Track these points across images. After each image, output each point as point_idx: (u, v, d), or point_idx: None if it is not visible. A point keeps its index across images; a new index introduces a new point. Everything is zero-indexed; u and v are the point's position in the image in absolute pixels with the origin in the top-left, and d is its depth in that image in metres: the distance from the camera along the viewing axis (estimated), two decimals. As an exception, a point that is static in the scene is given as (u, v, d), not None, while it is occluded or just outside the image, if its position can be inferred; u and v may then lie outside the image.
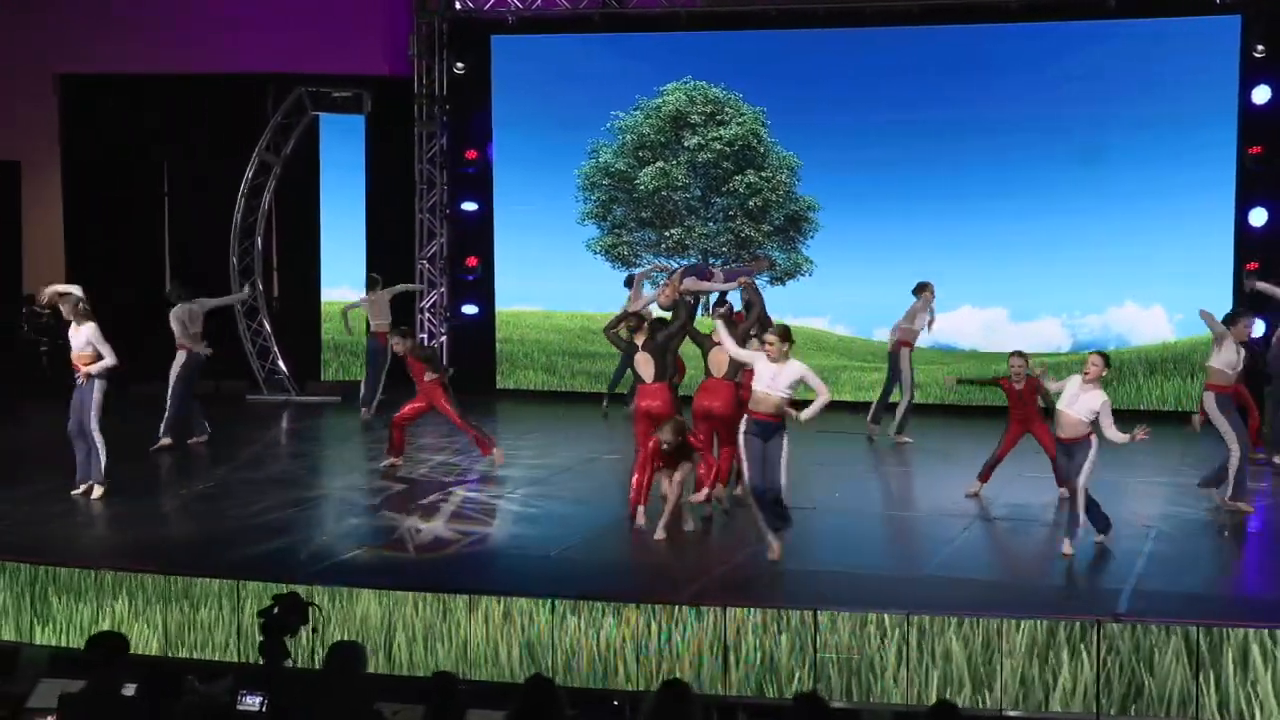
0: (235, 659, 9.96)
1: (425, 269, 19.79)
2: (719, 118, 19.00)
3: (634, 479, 12.22)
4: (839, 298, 18.78)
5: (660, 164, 19.16)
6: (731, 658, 9.44)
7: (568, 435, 16.93)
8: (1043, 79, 17.85)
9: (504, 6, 19.27)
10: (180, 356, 15.88)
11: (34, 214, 21.29)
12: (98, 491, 13.05)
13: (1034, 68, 17.90)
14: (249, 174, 19.42)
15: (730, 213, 19.05)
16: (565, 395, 19.41)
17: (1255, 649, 8.80)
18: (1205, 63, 17.30)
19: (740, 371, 12.68)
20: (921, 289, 16.15)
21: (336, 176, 20.16)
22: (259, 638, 7.79)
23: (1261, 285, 14.88)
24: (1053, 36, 17.86)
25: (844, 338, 18.75)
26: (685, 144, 19.07)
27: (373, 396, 17.69)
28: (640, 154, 19.25)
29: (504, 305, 19.82)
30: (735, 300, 14.08)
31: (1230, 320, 12.73)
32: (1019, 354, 13.09)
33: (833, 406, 17.85)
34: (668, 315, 13.26)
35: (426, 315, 19.73)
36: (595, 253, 19.47)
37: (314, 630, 7.95)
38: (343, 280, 20.04)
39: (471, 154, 19.62)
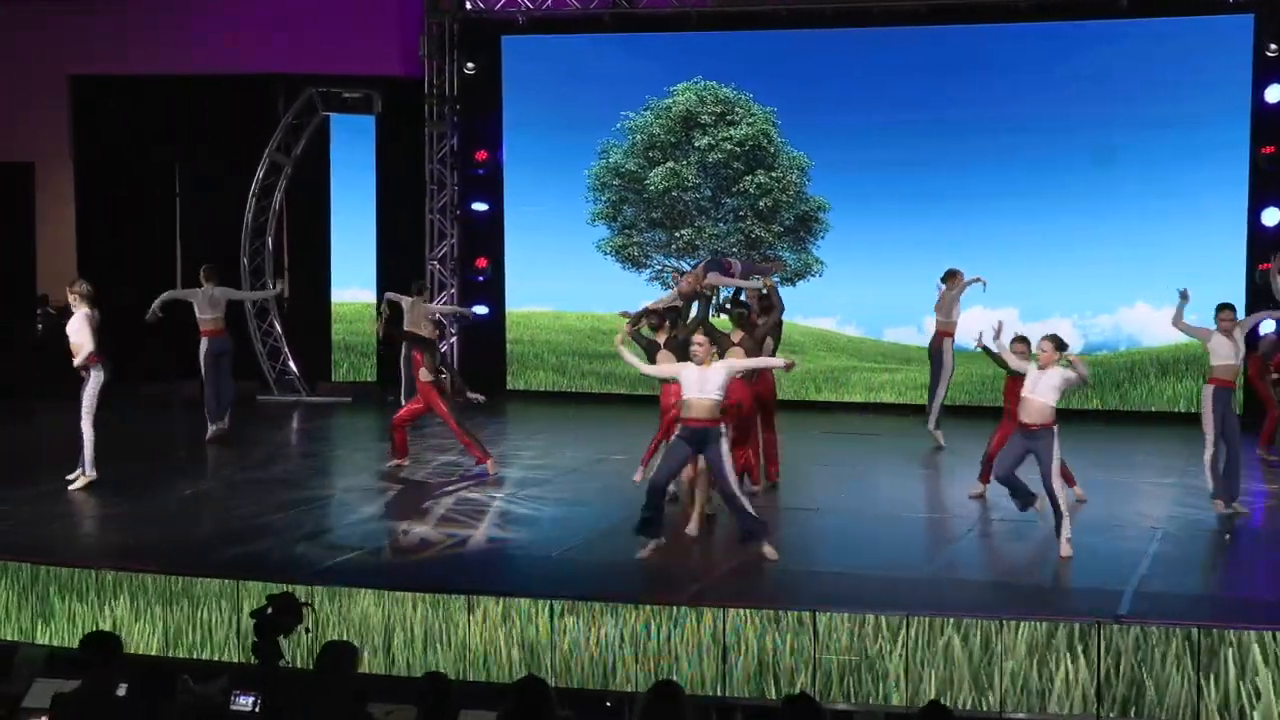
0: (234, 659, 9.94)
1: (436, 269, 19.77)
2: (729, 118, 18.97)
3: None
4: (849, 298, 18.73)
5: (670, 164, 19.14)
6: (731, 658, 9.40)
7: (576, 436, 16.92)
8: (1053, 79, 17.78)
9: (514, 7, 19.25)
10: (202, 343, 16.01)
11: (47, 214, 21.37)
12: (80, 482, 13.13)
13: (1044, 67, 17.83)
14: (260, 174, 19.50)
15: (740, 213, 19.02)
16: (575, 396, 19.40)
17: (1255, 650, 8.74)
18: (1217, 62, 17.23)
19: (756, 371, 12.83)
20: (951, 277, 15.83)
21: (347, 177, 20.14)
22: (253, 638, 7.76)
23: None
24: (1063, 36, 17.78)
25: (854, 338, 18.69)
26: (695, 144, 19.04)
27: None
28: (650, 154, 19.23)
29: (514, 306, 19.81)
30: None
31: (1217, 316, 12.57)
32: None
33: (842, 408, 18.22)
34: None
35: (437, 316, 19.68)
36: (605, 253, 19.45)
37: (307, 630, 7.92)
38: (353, 281, 20.05)
39: (482, 155, 19.62)
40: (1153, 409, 17.58)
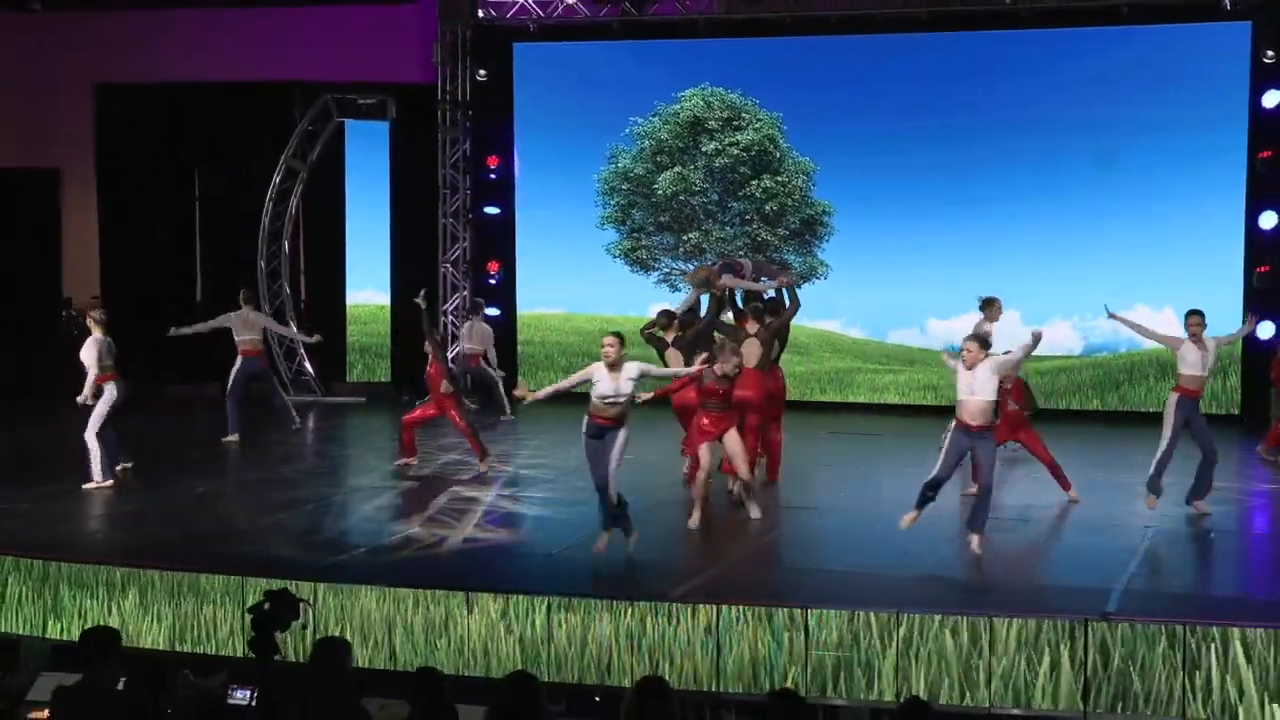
0: (239, 654, 9.93)
1: (449, 272, 19.78)
2: (736, 123, 18.94)
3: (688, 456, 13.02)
4: (853, 300, 18.68)
5: (678, 169, 19.11)
6: (724, 655, 9.37)
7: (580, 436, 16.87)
8: (1054, 84, 17.75)
9: (526, 15, 19.26)
10: (239, 361, 16.22)
11: (71, 218, 21.50)
12: (90, 486, 13.30)
13: (1046, 73, 17.80)
14: (277, 179, 19.55)
15: (747, 217, 18.99)
16: (584, 397, 19.30)
17: (1237, 646, 8.69)
18: (1216, 68, 17.17)
19: (771, 363, 13.27)
20: (989, 305, 15.13)
21: (362, 181, 20.19)
22: (251, 633, 7.75)
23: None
24: (1064, 42, 17.77)
25: (858, 340, 18.65)
26: (703, 149, 19.02)
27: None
28: (659, 159, 19.21)
29: (525, 308, 19.81)
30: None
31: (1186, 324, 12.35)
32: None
33: (847, 408, 18.18)
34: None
35: (450, 318, 19.71)
36: (614, 256, 19.44)
37: (304, 626, 7.91)
38: (367, 284, 20.09)
39: (494, 160, 19.63)
40: (1151, 410, 17.43)
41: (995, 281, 17.88)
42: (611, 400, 10.88)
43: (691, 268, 18.88)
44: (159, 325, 19.97)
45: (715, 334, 13.49)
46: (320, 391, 19.62)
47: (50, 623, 10.50)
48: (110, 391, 13.58)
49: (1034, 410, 13.53)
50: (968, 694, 9.10)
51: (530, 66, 19.60)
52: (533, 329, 19.82)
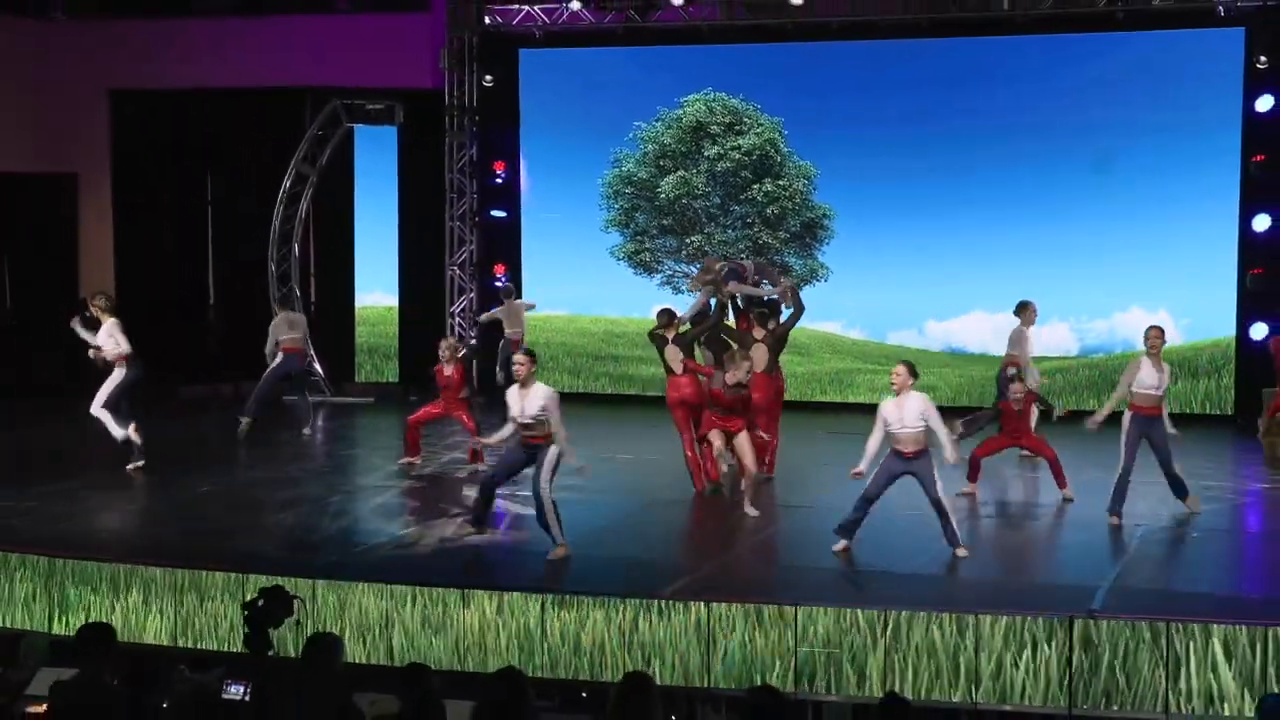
0: (238, 650, 9.93)
1: (455, 275, 19.78)
2: (738, 128, 18.91)
3: (689, 457, 13.13)
4: (853, 302, 18.62)
5: (681, 173, 19.10)
6: (714, 651, 9.35)
7: (589, 436, 16.81)
8: (1051, 89, 17.69)
9: (531, 21, 19.26)
10: (279, 357, 16.53)
11: (88, 222, 21.53)
12: (118, 434, 13.93)
13: (1043, 79, 17.74)
14: (287, 183, 19.54)
15: (748, 220, 18.97)
16: (589, 397, 19.37)
17: (1218, 643, 8.65)
18: (1210, 73, 17.09)
19: (776, 365, 13.55)
20: (1023, 309, 15.06)
21: (370, 185, 20.22)
22: (245, 629, 7.76)
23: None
24: (1061, 48, 17.70)
25: (858, 341, 18.60)
26: (705, 153, 19.00)
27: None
28: (662, 163, 19.20)
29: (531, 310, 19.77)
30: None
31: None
32: (1019, 379, 13.03)
33: (846, 409, 18.13)
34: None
35: (457, 319, 19.72)
36: (618, 259, 19.42)
37: (298, 622, 7.91)
38: (376, 286, 20.10)
39: (500, 165, 19.63)
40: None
41: (992, 284, 18.02)
42: (523, 423, 10.83)
43: (694, 270, 18.88)
44: (172, 326, 20.18)
45: (724, 339, 13.63)
46: (329, 392, 19.62)
47: (56, 618, 10.53)
48: (119, 372, 13.93)
49: (1047, 406, 13.55)
50: (954, 690, 9.07)
51: (536, 72, 19.59)
52: (538, 330, 19.73)
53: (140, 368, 14.24)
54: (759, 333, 13.42)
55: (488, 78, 19.54)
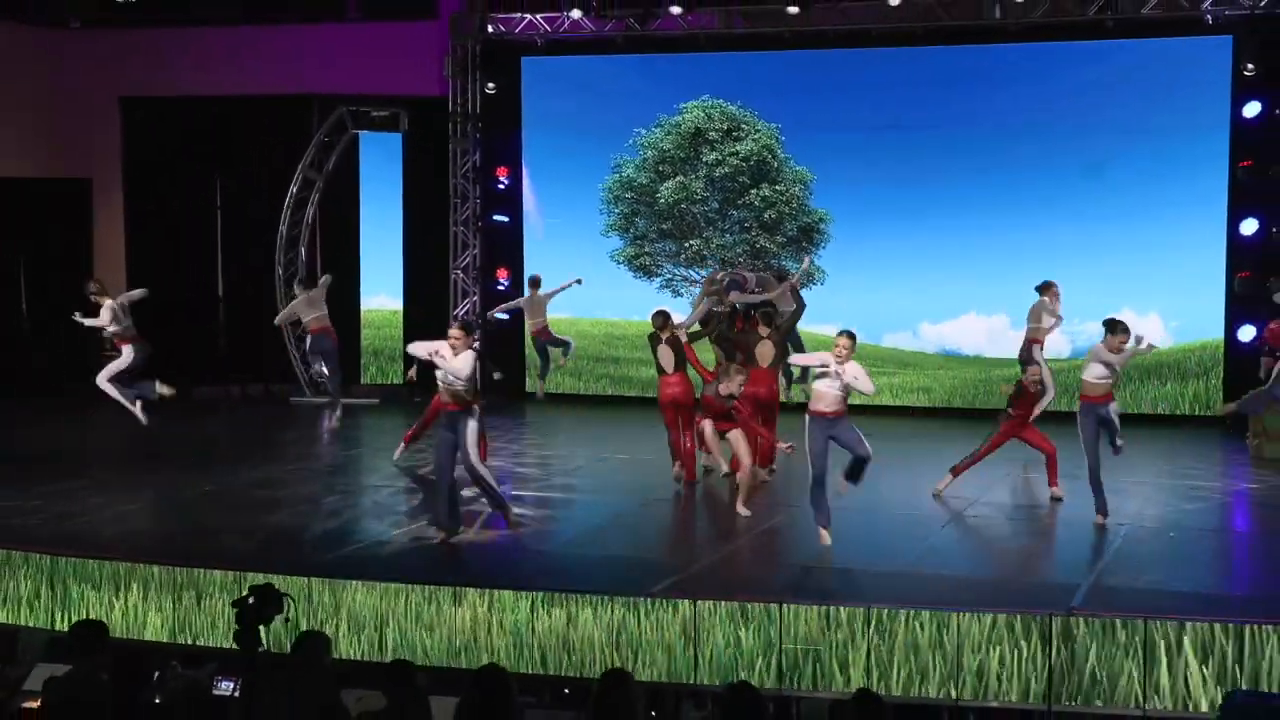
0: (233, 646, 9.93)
1: (459, 278, 19.79)
2: (736, 134, 18.90)
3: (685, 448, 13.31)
4: (849, 305, 18.47)
5: (680, 178, 19.09)
6: (700, 648, 9.33)
7: (588, 436, 16.92)
8: (1043, 96, 17.66)
9: (533, 30, 19.26)
10: (307, 339, 17.09)
11: (100, 226, 21.58)
12: (136, 409, 14.32)
13: (1035, 85, 17.71)
14: (294, 189, 19.59)
15: (746, 224, 18.95)
16: (589, 398, 19.38)
17: (1187, 642, 8.62)
18: (1198, 80, 17.04)
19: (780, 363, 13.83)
20: (1045, 289, 15.24)
21: (375, 191, 20.24)
22: (235, 626, 7.75)
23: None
24: (1053, 56, 17.68)
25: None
26: (704, 159, 19.00)
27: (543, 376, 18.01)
28: (661, 169, 19.19)
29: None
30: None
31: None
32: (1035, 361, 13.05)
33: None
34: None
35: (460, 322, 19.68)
36: (619, 263, 19.42)
37: (287, 619, 7.90)
38: (381, 289, 20.13)
39: (503, 171, 19.64)
40: (1136, 411, 17.38)
41: (986, 286, 18.00)
42: (450, 384, 11.13)
43: (692, 273, 19.01)
44: (182, 329, 20.19)
45: (721, 346, 13.86)
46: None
47: (59, 615, 10.52)
48: (127, 353, 14.34)
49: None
50: (935, 686, 9.04)
51: (538, 80, 19.59)
52: (540, 333, 19.79)
53: (146, 349, 14.50)
54: (764, 330, 13.58)
55: (490, 85, 19.55)
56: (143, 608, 10.32)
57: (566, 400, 19.41)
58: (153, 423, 14.80)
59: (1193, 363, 17.37)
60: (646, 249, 19.35)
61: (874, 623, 9.13)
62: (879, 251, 18.44)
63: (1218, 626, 8.66)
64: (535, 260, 19.70)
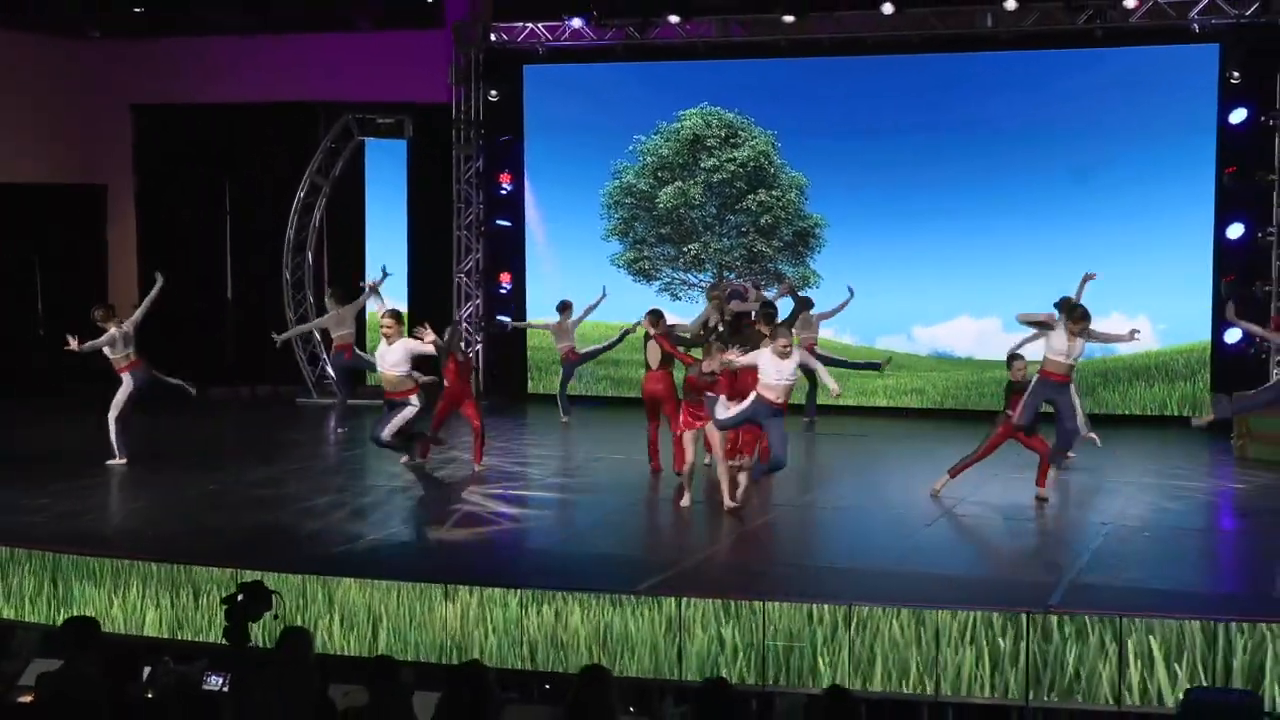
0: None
1: (462, 282, 19.82)
2: (733, 140, 18.91)
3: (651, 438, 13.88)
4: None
5: (679, 184, 19.10)
6: (685, 645, 9.32)
7: (586, 436, 16.91)
8: (1034, 103, 17.66)
9: (535, 39, 19.29)
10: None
11: (116, 231, 21.67)
12: (110, 463, 14.22)
13: (1026, 92, 17.71)
14: (301, 194, 19.61)
15: (743, 229, 18.95)
16: (589, 399, 19.38)
17: (1153, 640, 8.59)
18: (1186, 88, 17.03)
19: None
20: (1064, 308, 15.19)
21: (381, 196, 20.31)
22: (224, 623, 7.77)
23: None
24: (1043, 64, 17.67)
25: (849, 346, 18.51)
26: (702, 165, 19.00)
27: (565, 404, 17.93)
28: (660, 174, 19.20)
29: (535, 316, 19.76)
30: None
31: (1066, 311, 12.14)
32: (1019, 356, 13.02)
33: (835, 410, 18.05)
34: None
35: (464, 324, 19.73)
36: (618, 267, 19.43)
37: (275, 616, 7.92)
38: (385, 292, 19.95)
39: (505, 177, 19.66)
40: (1124, 412, 17.38)
41: (978, 290, 17.98)
42: (387, 372, 11.76)
43: (690, 277, 19.07)
44: (192, 332, 20.25)
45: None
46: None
47: (61, 612, 10.54)
48: (127, 381, 14.37)
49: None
50: (915, 683, 9.02)
51: (539, 88, 19.60)
52: (541, 335, 19.73)
53: (147, 372, 14.46)
54: (766, 329, 13.64)
55: (493, 93, 19.57)
56: (141, 604, 10.34)
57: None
58: (163, 422, 14.86)
59: (1180, 364, 17.33)
60: (646, 253, 19.36)
61: (855, 620, 9.12)
62: (873, 256, 18.41)
63: (1193, 624, 8.63)
64: (536, 264, 19.75)
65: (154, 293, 14.94)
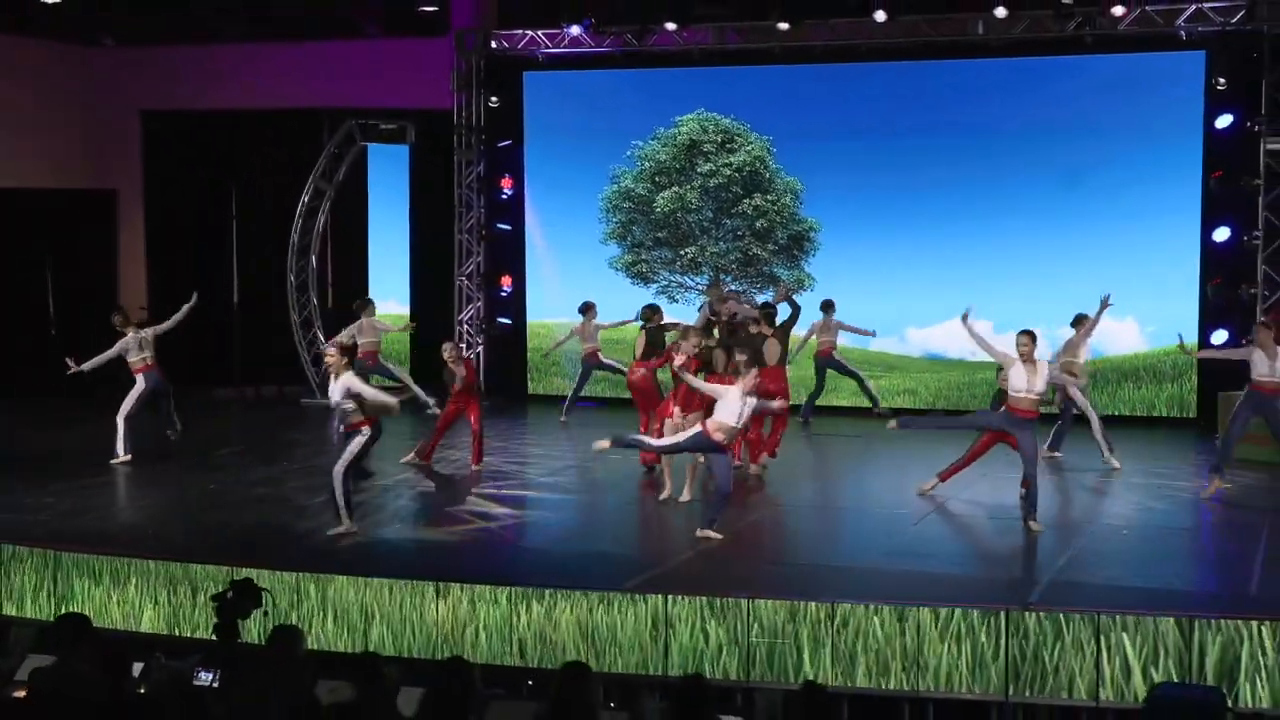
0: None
1: (464, 285, 19.82)
2: (729, 146, 18.89)
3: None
4: (838, 310, 18.46)
5: (675, 188, 19.08)
6: (670, 642, 9.31)
7: (584, 436, 16.80)
8: (1024, 108, 17.64)
9: (535, 46, 19.29)
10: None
11: (126, 235, 21.70)
12: (116, 461, 14.42)
13: (1016, 98, 17.68)
14: (305, 199, 19.60)
15: (739, 233, 18.93)
16: (589, 400, 19.31)
17: (1126, 636, 8.58)
18: (1173, 94, 17.00)
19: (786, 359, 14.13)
20: (1079, 322, 14.95)
21: (383, 200, 20.33)
22: (214, 620, 7.77)
23: None
24: (1034, 70, 17.66)
25: (841, 347, 18.39)
26: (698, 170, 18.98)
27: (572, 405, 17.91)
28: (657, 179, 19.18)
29: (534, 318, 19.82)
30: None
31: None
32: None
33: (831, 411, 18.03)
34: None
35: (465, 327, 19.74)
36: (617, 270, 19.41)
37: (265, 613, 7.91)
38: (389, 295, 20.08)
39: (506, 182, 19.66)
40: (1113, 413, 17.31)
41: (968, 292, 17.76)
42: (338, 403, 11.23)
43: (687, 280, 19.07)
44: (199, 334, 20.21)
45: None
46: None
47: (62, 609, 10.54)
48: (140, 382, 14.65)
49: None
50: (897, 679, 9.01)
51: (539, 94, 19.59)
52: (541, 337, 19.79)
53: (155, 378, 14.57)
54: (768, 329, 13.84)
55: (494, 99, 19.56)
56: (139, 601, 10.34)
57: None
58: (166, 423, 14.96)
59: (1168, 366, 17.30)
60: (643, 256, 19.34)
61: (838, 617, 9.11)
62: (866, 259, 18.40)
63: (1168, 621, 8.62)
64: (536, 267, 19.74)
65: (186, 309, 15.08)
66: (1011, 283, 17.72)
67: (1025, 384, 11.51)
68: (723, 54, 18.76)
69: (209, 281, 20.73)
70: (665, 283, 19.26)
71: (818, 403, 17.59)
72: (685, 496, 12.38)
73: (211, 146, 20.89)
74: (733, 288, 18.03)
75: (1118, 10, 16.60)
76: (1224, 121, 16.59)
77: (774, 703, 8.76)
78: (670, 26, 18.32)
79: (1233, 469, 13.74)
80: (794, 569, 10.47)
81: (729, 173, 18.85)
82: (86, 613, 10.18)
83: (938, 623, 8.97)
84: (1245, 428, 12.90)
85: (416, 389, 16.73)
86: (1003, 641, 8.86)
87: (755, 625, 9.18)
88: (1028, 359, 11.57)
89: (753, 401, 11.08)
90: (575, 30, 18.75)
